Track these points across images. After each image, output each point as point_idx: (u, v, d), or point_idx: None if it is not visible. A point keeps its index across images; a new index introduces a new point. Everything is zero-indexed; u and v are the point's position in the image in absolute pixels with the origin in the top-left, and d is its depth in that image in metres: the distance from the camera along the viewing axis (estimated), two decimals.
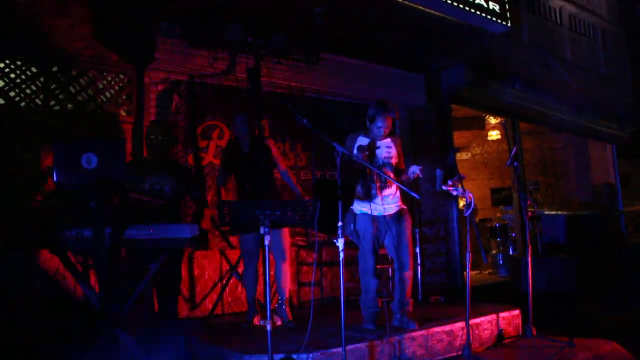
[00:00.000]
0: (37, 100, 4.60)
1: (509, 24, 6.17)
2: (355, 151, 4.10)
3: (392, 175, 4.17)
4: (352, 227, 4.19)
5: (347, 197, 4.14)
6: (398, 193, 4.26)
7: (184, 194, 4.63)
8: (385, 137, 4.24)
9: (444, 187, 4.33)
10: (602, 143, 11.30)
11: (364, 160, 3.97)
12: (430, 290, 6.05)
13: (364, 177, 4.16)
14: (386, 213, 4.19)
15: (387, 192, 4.17)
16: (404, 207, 4.29)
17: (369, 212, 4.12)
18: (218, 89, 5.47)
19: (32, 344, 3.87)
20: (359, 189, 4.19)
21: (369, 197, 4.14)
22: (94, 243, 3.27)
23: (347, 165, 3.96)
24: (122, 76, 5.02)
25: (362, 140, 4.20)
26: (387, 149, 4.24)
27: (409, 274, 4.19)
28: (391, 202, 4.20)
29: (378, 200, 4.14)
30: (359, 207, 4.20)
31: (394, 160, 4.24)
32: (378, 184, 4.15)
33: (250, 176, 4.46)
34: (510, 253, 9.03)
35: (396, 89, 6.61)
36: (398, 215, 4.21)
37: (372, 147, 4.16)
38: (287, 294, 4.51)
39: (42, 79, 4.61)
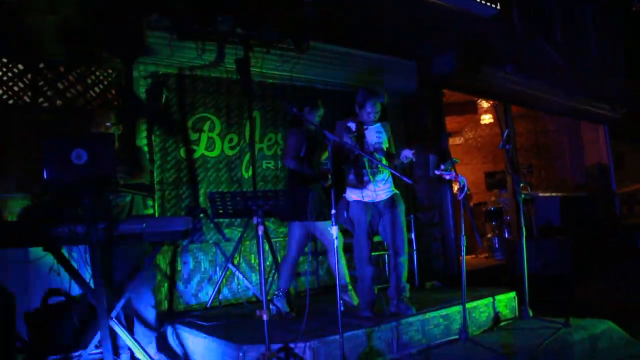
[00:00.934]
0: (25, 98, 4.56)
1: (498, 7, 6.15)
2: (344, 137, 4.09)
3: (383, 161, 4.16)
4: (345, 215, 4.19)
5: (339, 184, 4.13)
6: (390, 179, 4.25)
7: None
8: (375, 123, 4.23)
9: (437, 172, 4.33)
10: (594, 125, 11.32)
11: (355, 147, 3.95)
12: (426, 275, 6.07)
13: (356, 164, 4.15)
14: (379, 199, 4.18)
15: (379, 178, 4.16)
16: (397, 192, 4.29)
17: (362, 199, 4.12)
18: (208, 81, 5.43)
19: (29, 340, 3.87)
20: (350, 176, 4.18)
21: (361, 184, 4.13)
22: (88, 239, 3.26)
23: (338, 152, 3.95)
24: (110, 71, 4.97)
25: (351, 127, 4.18)
26: (377, 134, 4.22)
27: (404, 259, 4.20)
28: (384, 188, 4.19)
29: (370, 186, 4.14)
30: (351, 194, 4.18)
31: (384, 146, 4.23)
32: (370, 170, 4.14)
33: (312, 166, 4.48)
34: (506, 236, 9.07)
35: (387, 75, 6.59)
36: (391, 201, 4.21)
37: (360, 131, 4.14)
38: (347, 279, 4.51)
39: (29, 76, 4.57)
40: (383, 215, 4.21)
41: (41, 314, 3.86)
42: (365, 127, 4.17)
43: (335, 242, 3.40)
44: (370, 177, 4.13)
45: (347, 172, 4.20)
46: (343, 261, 4.45)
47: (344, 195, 4.22)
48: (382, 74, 6.48)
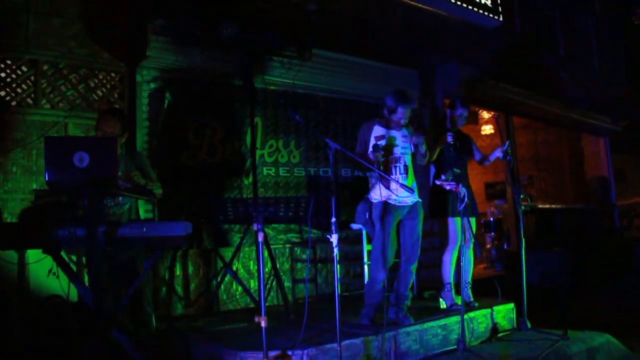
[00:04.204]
0: (29, 100, 4.58)
1: (501, 19, 6.18)
2: (372, 142, 4.03)
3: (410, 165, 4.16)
4: (366, 216, 4.13)
5: (341, 194, 4.12)
6: (415, 185, 4.21)
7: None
8: (402, 128, 4.18)
9: (437, 182, 4.34)
10: (595, 137, 11.34)
11: (359, 157, 3.90)
12: (425, 285, 6.06)
13: (385, 167, 4.07)
14: (404, 204, 4.14)
15: (405, 184, 4.10)
16: (420, 200, 4.26)
17: (389, 201, 4.08)
18: (211, 87, 5.44)
19: (27, 344, 3.86)
20: (378, 177, 4.11)
21: (388, 186, 4.07)
22: (88, 242, 3.25)
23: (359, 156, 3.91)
24: (113, 74, 4.99)
25: (378, 130, 4.12)
26: (403, 138, 4.18)
27: (414, 267, 4.20)
28: (408, 194, 4.13)
29: (398, 190, 4.07)
30: (376, 195, 4.11)
31: (409, 150, 4.20)
32: (401, 176, 4.09)
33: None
34: (505, 247, 9.07)
35: (389, 84, 6.57)
36: (415, 208, 4.19)
37: (389, 146, 4.08)
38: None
39: (32, 78, 4.59)
40: (403, 221, 4.18)
41: (39, 318, 3.84)
42: (394, 136, 4.13)
43: (335, 250, 3.38)
44: (399, 181, 4.06)
45: (374, 173, 4.13)
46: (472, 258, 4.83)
47: (366, 195, 4.17)
48: (384, 82, 6.49)
